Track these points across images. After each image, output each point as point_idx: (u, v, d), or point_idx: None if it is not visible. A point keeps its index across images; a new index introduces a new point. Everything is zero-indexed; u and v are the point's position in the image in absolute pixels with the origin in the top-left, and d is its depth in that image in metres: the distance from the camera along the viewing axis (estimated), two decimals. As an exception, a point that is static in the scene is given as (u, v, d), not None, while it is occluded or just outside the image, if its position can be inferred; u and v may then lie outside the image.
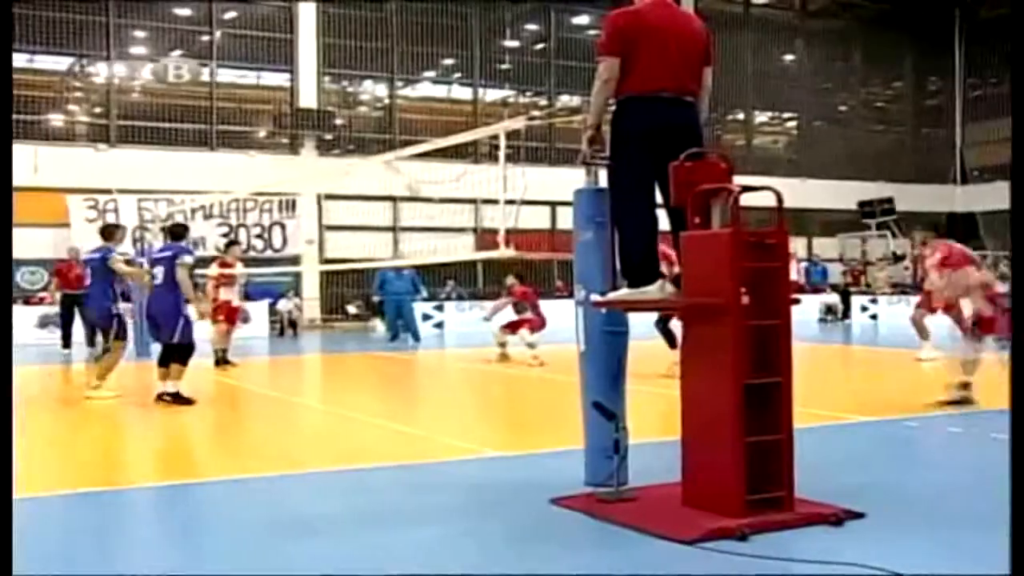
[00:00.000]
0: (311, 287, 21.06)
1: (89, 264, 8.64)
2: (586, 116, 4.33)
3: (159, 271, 8.20)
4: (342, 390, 10.37)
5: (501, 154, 6.11)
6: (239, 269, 12.36)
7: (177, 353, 8.03)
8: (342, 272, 19.24)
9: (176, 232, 8.73)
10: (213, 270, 11.88)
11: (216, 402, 8.62)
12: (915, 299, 12.05)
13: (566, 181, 5.20)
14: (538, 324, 11.87)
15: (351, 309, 21.31)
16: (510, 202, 6.58)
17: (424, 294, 18.42)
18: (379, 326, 18.69)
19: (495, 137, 6.82)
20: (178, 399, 7.91)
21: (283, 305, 19.58)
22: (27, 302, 17.72)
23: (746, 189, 4.00)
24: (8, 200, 2.63)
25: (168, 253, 8.29)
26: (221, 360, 11.50)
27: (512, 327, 12.12)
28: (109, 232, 8.94)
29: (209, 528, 4.23)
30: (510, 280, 12.68)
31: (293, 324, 19.66)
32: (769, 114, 27.56)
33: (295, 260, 19.53)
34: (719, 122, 25.19)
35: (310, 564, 3.55)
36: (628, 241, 4.25)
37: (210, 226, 18.77)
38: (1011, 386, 2.18)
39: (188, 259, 8.16)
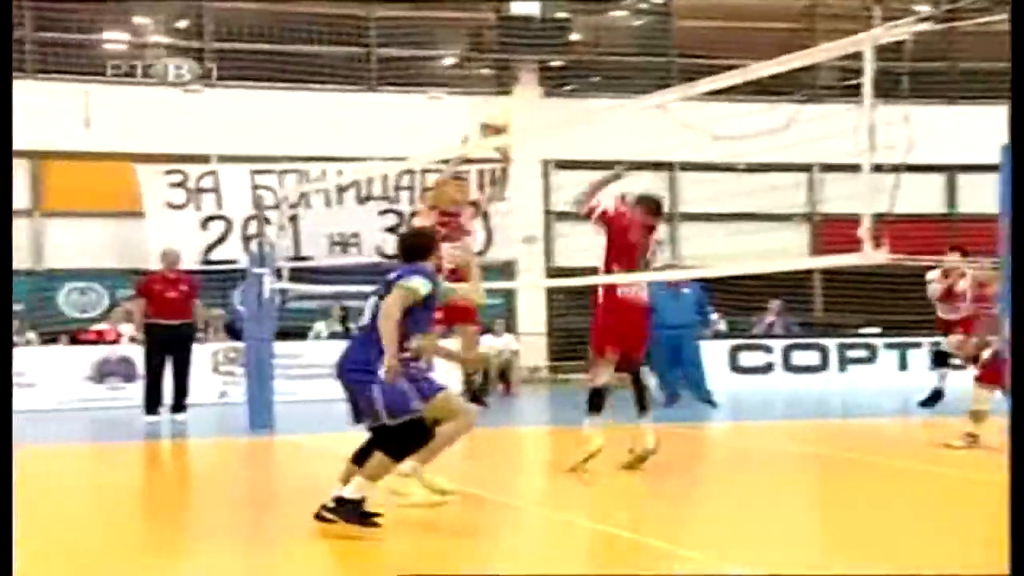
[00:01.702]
0: (532, 315, 21.62)
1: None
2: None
3: (369, 304, 8.17)
4: (586, 487, 10.46)
5: (866, 84, 6.05)
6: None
7: (390, 438, 7.82)
8: (581, 290, 19.60)
9: (413, 244, 8.46)
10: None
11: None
12: None
13: (978, 129, 5.07)
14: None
15: (597, 352, 21.67)
16: (878, 168, 6.49)
17: (720, 326, 18.42)
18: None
19: (848, 57, 6.71)
20: (353, 515, 7.65)
21: (489, 344, 20.17)
22: (75, 339, 18.69)
23: None
24: (8, 199, 3.11)
25: (393, 276, 8.10)
26: None
27: (991, 374, 11.42)
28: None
29: None
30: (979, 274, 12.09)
31: (504, 376, 20.21)
32: None
33: (506, 269, 20.10)
34: None
35: None
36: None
37: (368, 213, 19.79)
38: (1011, 386, 2.86)
39: (416, 283, 7.91)
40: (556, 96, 22.03)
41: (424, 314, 8.06)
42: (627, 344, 10.70)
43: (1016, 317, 3.37)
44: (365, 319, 8.12)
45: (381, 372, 7.72)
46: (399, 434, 7.79)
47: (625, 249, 10.53)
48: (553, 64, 22.33)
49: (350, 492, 7.70)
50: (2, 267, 5.71)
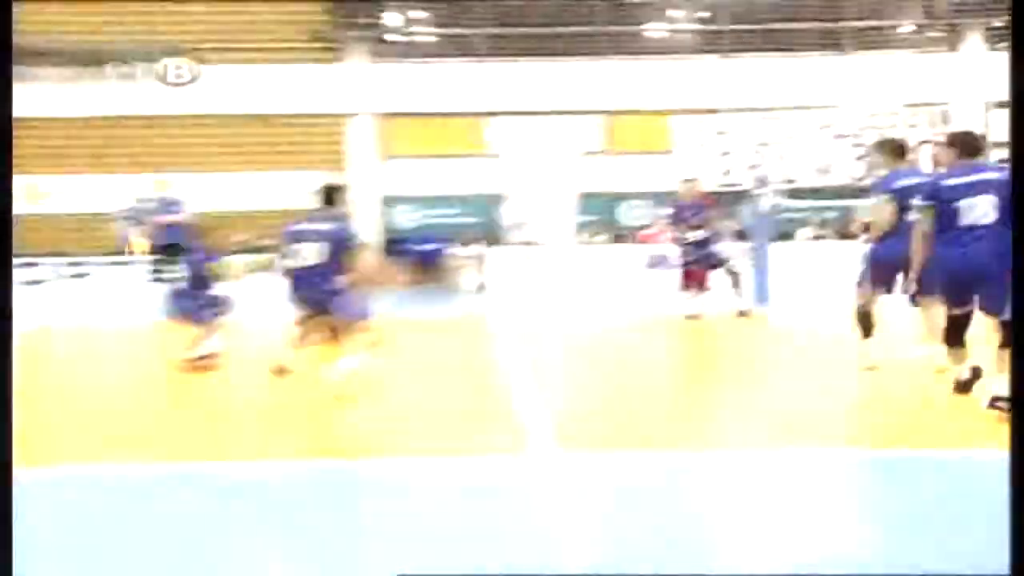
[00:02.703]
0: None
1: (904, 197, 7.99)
2: None
3: (979, 201, 7.52)
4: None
5: None
6: None
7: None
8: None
9: (973, 142, 7.87)
10: None
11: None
12: None
13: None
14: None
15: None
16: None
17: None
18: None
19: None
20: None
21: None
22: (620, 239, 25.42)
23: None
24: (8, 198, 4.48)
25: (993, 178, 7.50)
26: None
27: None
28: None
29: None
30: None
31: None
32: None
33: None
34: None
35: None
36: None
37: (841, 147, 25.07)
38: (1011, 384, 3.55)
39: None
40: (998, 51, 25.13)
41: None
42: None
43: (1016, 316, 3.70)
44: (982, 216, 7.55)
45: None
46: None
47: None
48: (995, 24, 25.80)
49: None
50: (2, 266, 5.55)
